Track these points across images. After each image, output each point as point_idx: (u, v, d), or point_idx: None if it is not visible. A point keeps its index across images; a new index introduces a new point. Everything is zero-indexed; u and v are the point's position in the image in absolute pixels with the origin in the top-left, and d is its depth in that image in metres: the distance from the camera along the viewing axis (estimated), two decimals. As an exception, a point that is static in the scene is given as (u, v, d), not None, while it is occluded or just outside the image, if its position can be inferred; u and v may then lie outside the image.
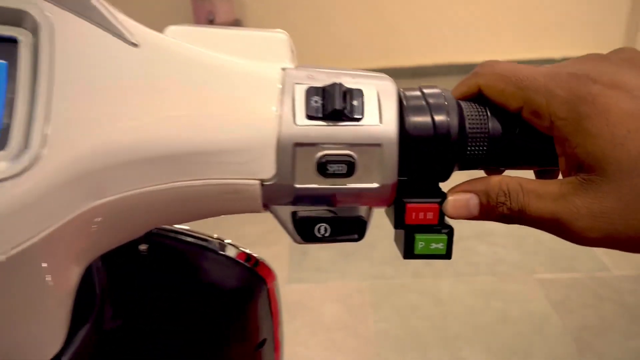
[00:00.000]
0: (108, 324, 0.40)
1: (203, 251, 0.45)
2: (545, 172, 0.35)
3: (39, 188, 0.23)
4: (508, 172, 0.32)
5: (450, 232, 0.31)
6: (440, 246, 0.31)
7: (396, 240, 0.33)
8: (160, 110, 0.26)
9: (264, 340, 0.51)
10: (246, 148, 0.27)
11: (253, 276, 0.47)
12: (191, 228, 0.47)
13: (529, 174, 0.35)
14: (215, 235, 0.45)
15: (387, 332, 1.55)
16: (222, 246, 0.47)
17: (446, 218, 0.31)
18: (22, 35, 0.25)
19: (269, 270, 0.48)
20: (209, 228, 0.43)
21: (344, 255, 1.85)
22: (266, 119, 0.27)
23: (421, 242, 0.31)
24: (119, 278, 0.42)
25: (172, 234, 0.44)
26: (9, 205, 0.22)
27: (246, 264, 0.47)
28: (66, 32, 0.25)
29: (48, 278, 0.25)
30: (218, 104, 0.27)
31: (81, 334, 0.35)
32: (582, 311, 1.61)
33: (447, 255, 0.31)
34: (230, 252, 0.47)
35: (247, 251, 0.48)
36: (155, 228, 0.43)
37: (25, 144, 0.23)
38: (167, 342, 0.44)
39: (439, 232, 0.31)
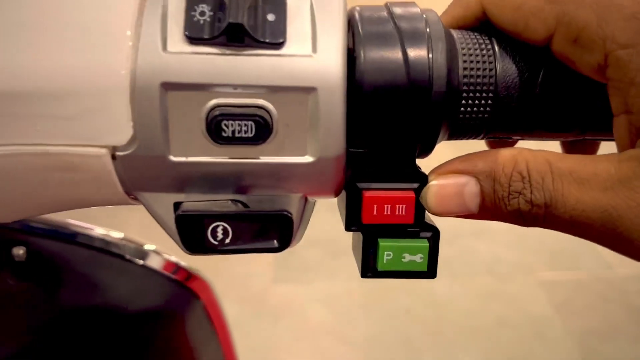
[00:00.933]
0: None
1: (110, 259, 0.34)
2: (577, 144, 0.24)
3: None
4: (523, 144, 0.22)
5: (434, 236, 0.20)
6: (419, 259, 0.20)
7: (354, 248, 0.22)
8: None
9: (207, 364, 0.40)
10: (75, 90, 0.16)
11: (179, 291, 0.36)
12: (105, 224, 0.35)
13: (552, 147, 0.23)
14: (122, 236, 0.34)
15: (378, 337, 1.48)
16: (141, 253, 0.35)
17: (427, 214, 0.21)
18: None
19: (202, 283, 0.37)
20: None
21: (333, 254, 1.78)
22: (111, 42, 0.16)
23: (388, 253, 0.20)
24: (-19, 296, 0.31)
25: (65, 233, 0.33)
26: None
27: (172, 275, 0.36)
28: None
29: None
30: (20, 12, 0.16)
31: None
32: (586, 314, 1.55)
33: (430, 272, 0.20)
34: (153, 262, 0.36)
35: (174, 260, 0.36)
36: (37, 222, 0.32)
37: None
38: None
39: (416, 236, 0.20)
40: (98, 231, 0.34)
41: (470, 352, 1.43)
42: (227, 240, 0.18)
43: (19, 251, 0.31)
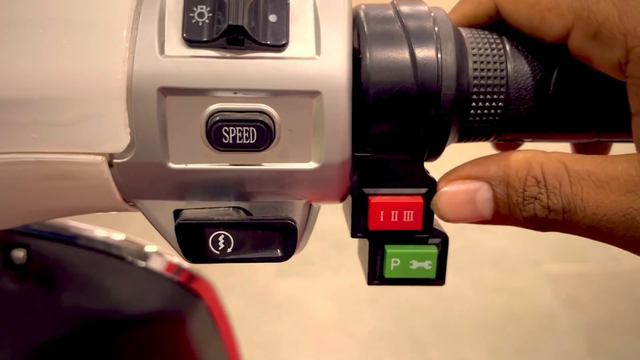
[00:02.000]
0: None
1: (111, 261, 0.33)
2: (591, 144, 0.23)
3: None
4: (532, 146, 0.21)
5: (443, 242, 0.19)
6: (427, 265, 0.19)
7: (360, 254, 0.22)
8: None
9: (211, 366, 0.40)
10: (70, 97, 0.15)
11: (182, 292, 0.35)
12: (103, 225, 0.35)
13: (563, 148, 0.22)
14: (123, 238, 0.33)
15: (383, 331, 1.47)
16: (143, 255, 0.35)
17: (436, 220, 0.20)
18: None
19: (205, 284, 0.37)
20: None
21: (338, 247, 1.76)
22: (107, 46, 0.15)
23: (395, 260, 0.19)
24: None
25: (66, 235, 0.32)
26: None
27: (175, 277, 0.35)
28: None
29: None
30: (12, 17, 0.15)
31: None
32: (593, 306, 1.54)
33: (438, 278, 0.20)
34: (155, 263, 0.35)
35: (176, 261, 0.36)
36: (37, 225, 0.31)
37: None
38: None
39: (424, 242, 0.20)
40: (99, 233, 0.33)
41: (477, 346, 1.42)
42: (229, 250, 0.17)
43: (20, 254, 0.31)
